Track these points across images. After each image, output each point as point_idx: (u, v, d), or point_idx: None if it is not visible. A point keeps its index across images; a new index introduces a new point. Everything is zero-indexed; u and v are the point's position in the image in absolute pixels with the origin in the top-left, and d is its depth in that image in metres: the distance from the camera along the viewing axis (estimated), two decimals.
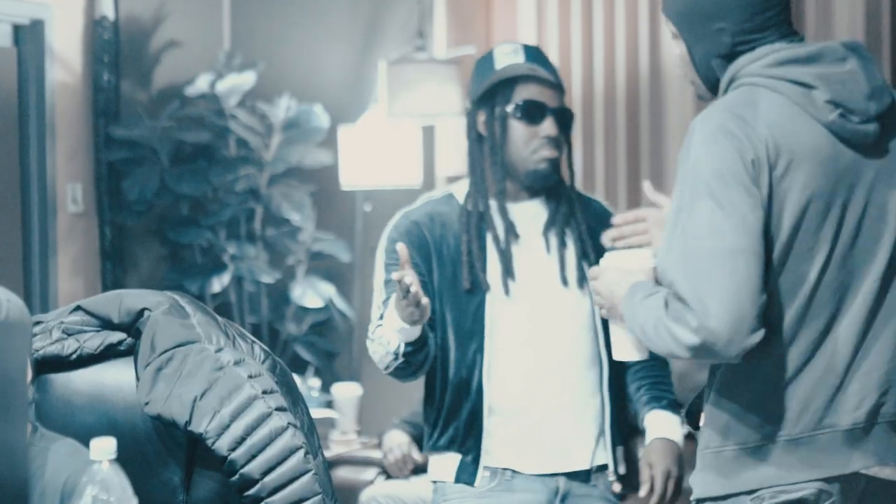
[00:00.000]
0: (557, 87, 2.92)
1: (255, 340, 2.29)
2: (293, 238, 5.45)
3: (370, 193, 5.55)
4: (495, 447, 2.85)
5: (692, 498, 2.32)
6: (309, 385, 5.23)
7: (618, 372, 2.94)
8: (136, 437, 2.19)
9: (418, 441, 4.54)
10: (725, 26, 2.35)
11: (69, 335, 2.27)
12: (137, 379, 2.19)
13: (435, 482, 2.96)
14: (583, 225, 2.94)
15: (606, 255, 2.46)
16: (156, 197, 5.22)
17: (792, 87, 2.26)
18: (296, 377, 2.43)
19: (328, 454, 4.72)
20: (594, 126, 5.43)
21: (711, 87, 2.41)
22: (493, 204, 2.91)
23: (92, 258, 5.21)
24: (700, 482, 2.30)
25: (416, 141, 5.36)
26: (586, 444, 2.87)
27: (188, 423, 2.12)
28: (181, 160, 5.32)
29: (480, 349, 2.85)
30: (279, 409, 2.15)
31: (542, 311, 2.87)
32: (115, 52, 5.25)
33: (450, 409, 2.88)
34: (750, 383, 2.25)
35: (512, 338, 2.85)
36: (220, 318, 2.29)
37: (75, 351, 2.26)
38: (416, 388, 5.08)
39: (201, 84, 5.35)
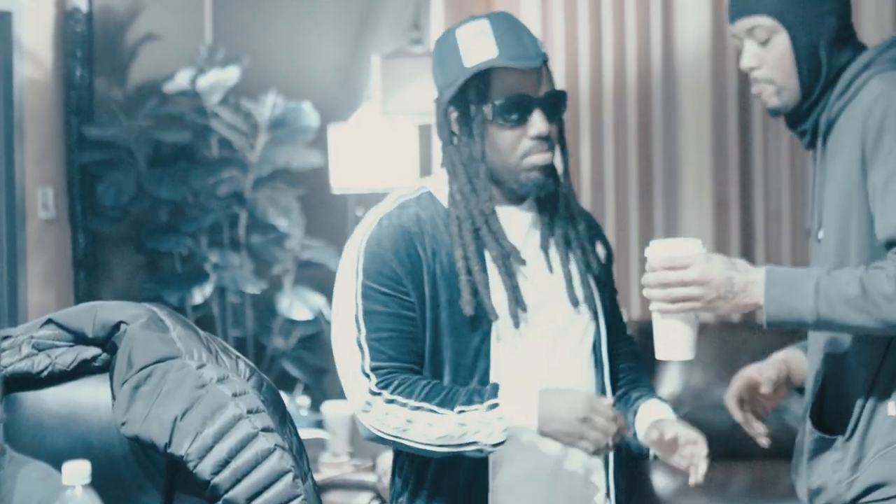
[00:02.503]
0: (540, 67, 2.55)
1: (240, 356, 2.29)
2: (280, 245, 5.45)
3: (363, 197, 5.55)
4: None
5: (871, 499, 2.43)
6: (297, 403, 5.23)
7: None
8: (112, 460, 2.19)
9: None
10: (833, 6, 2.52)
11: (40, 351, 2.27)
12: (113, 397, 2.19)
13: None
14: (584, 231, 2.65)
15: (652, 244, 2.40)
16: (132, 202, 5.23)
17: None
18: (283, 395, 2.43)
19: (318, 477, 4.71)
20: (603, 124, 5.44)
21: (807, 87, 2.50)
22: (483, 214, 2.57)
23: (64, 268, 5.21)
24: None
25: (412, 141, 5.36)
26: (600, 491, 2.64)
27: (168, 444, 2.12)
28: (159, 162, 5.32)
29: None
30: (266, 429, 2.15)
31: (554, 343, 2.58)
32: (88, 45, 5.25)
33: (442, 465, 2.55)
34: None
35: (522, 377, 2.53)
36: (201, 332, 2.29)
37: (46, 367, 2.26)
38: None
39: (181, 80, 5.35)
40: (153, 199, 5.26)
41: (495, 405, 2.43)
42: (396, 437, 2.47)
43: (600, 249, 2.68)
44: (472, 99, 2.58)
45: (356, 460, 5.03)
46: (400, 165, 5.34)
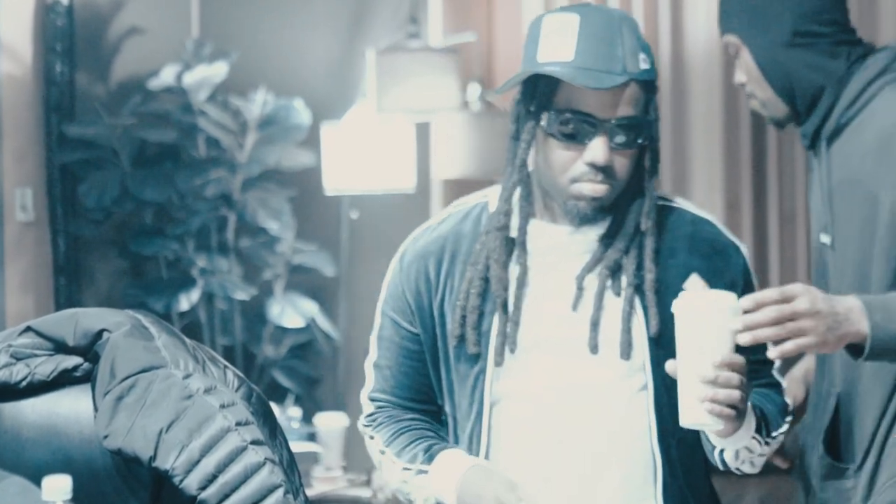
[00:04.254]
0: (627, 83, 2.29)
1: (228, 365, 2.29)
2: (270, 249, 5.45)
3: (357, 199, 5.55)
4: None
5: None
6: (289, 415, 5.23)
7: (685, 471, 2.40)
8: (95, 474, 2.19)
9: None
10: (786, 7, 2.54)
11: (18, 360, 2.27)
12: (95, 409, 2.19)
13: None
14: (651, 269, 2.34)
15: (683, 295, 2.19)
16: (115, 204, 5.22)
17: None
18: (274, 406, 2.44)
19: (311, 493, 4.71)
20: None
21: (786, 95, 2.52)
22: (500, 232, 2.39)
23: (43, 273, 5.21)
24: None
25: (408, 140, 5.36)
26: None
27: (153, 458, 2.12)
28: (144, 162, 5.32)
29: (478, 439, 2.42)
30: (255, 442, 2.15)
31: (562, 394, 2.35)
32: (69, 40, 5.25)
33: None
34: None
35: (519, 426, 2.38)
36: (188, 341, 2.29)
37: (25, 377, 2.26)
38: None
39: (166, 76, 5.35)
40: (137, 200, 5.26)
41: (423, 472, 2.42)
42: (379, 462, 2.52)
43: (695, 284, 2.27)
44: (534, 99, 2.36)
45: (350, 475, 5.03)
46: (395, 166, 5.34)
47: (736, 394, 2.14)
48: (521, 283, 2.38)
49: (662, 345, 2.32)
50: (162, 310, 5.16)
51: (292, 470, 2.24)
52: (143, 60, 5.47)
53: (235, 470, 2.12)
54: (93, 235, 5.36)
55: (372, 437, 2.52)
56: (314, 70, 5.74)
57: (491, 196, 2.48)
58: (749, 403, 2.23)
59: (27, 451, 2.23)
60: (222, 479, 2.11)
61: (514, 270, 2.39)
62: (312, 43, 5.75)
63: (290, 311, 5.46)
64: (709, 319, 2.15)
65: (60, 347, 2.28)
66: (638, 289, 2.35)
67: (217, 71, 5.36)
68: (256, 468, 2.13)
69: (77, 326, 2.26)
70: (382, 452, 2.49)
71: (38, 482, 1.86)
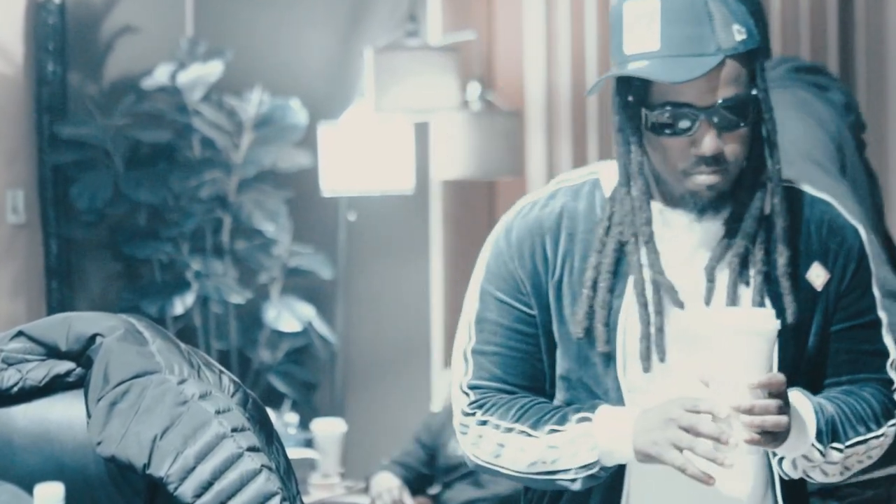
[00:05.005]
0: (723, 63, 2.13)
1: (224, 370, 2.29)
2: (266, 252, 5.45)
3: (355, 200, 5.55)
4: None
5: None
6: (285, 421, 5.23)
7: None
8: (87, 481, 2.19)
9: (410, 484, 4.53)
10: None
11: (9, 365, 2.27)
12: (88, 415, 2.19)
13: None
14: (782, 252, 2.21)
15: (712, 313, 2.13)
16: (109, 205, 5.22)
17: None
18: (270, 412, 2.43)
19: (308, 500, 4.70)
20: (611, 124, 5.43)
21: None
22: (634, 225, 2.22)
23: (35, 276, 5.21)
24: None
25: (407, 140, 5.37)
26: None
27: (147, 465, 2.12)
28: (137, 163, 5.32)
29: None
30: (251, 449, 2.15)
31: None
32: (61, 39, 5.25)
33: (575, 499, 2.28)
34: None
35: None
36: (182, 345, 2.29)
37: (17, 383, 2.25)
38: (407, 424, 5.09)
39: (160, 76, 5.35)
40: (131, 202, 5.26)
41: (586, 419, 2.19)
42: (492, 463, 2.26)
43: (817, 273, 2.21)
44: (630, 90, 2.21)
45: (348, 482, 5.03)
46: (394, 166, 5.34)
47: (771, 420, 2.07)
48: (656, 284, 2.21)
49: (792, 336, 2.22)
50: (156, 313, 5.16)
51: (289, 477, 2.24)
52: (136, 59, 5.47)
53: (231, 477, 2.12)
54: (85, 238, 5.36)
55: (484, 423, 2.25)
56: (311, 69, 5.74)
57: (602, 173, 2.32)
58: (813, 407, 2.19)
59: (19, 459, 2.22)
60: (218, 487, 2.11)
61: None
62: (309, 41, 5.75)
63: (287, 315, 5.46)
64: (745, 341, 2.07)
65: (53, 352, 2.28)
66: (767, 276, 2.21)
67: (212, 70, 5.36)
68: (252, 475, 2.13)
69: (70, 331, 2.26)
70: (510, 430, 2.23)
71: (29, 490, 1.86)
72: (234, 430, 2.15)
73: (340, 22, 5.76)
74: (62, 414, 2.25)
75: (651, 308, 2.20)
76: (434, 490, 4.76)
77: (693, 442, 2.08)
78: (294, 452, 4.96)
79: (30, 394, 2.26)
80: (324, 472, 5.01)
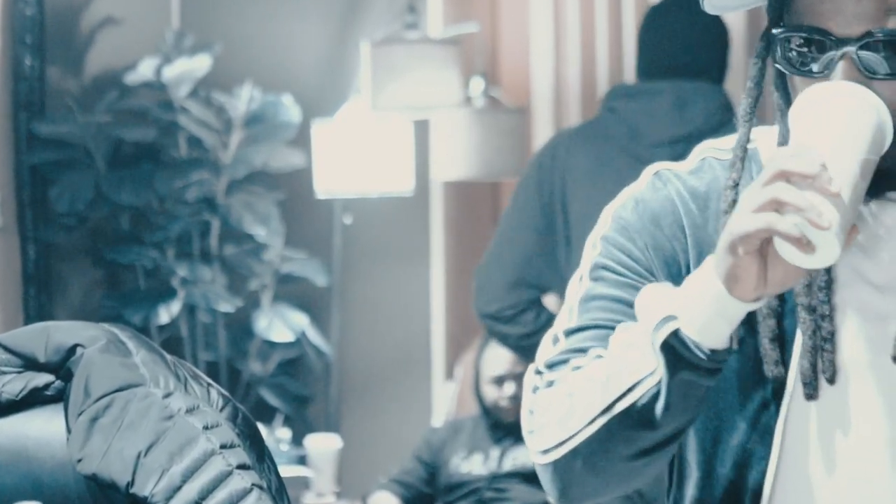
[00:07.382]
0: None
1: (212, 383, 2.29)
2: (257, 257, 5.45)
3: (351, 203, 5.56)
4: None
5: None
6: (277, 437, 5.24)
7: None
8: (67, 501, 2.19)
9: None
10: None
11: None
12: (68, 431, 2.19)
13: None
14: None
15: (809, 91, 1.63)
16: (90, 208, 5.23)
17: None
18: (261, 427, 2.44)
19: None
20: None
21: None
22: None
23: (12, 283, 5.21)
24: None
25: (406, 139, 5.37)
26: None
27: (130, 484, 2.12)
28: (120, 163, 5.33)
29: (744, 460, 1.75)
30: (241, 466, 2.15)
31: (888, 439, 1.69)
32: (39, 31, 5.26)
33: None
34: None
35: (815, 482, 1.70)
36: (168, 356, 2.29)
37: None
38: (405, 441, 5.09)
39: (144, 70, 5.36)
40: (113, 204, 5.26)
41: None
42: (564, 441, 1.72)
43: None
44: (768, 21, 1.71)
45: (343, 500, 5.04)
46: (392, 167, 5.35)
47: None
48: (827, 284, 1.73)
49: None
50: (140, 323, 5.16)
51: (281, 496, 2.24)
52: (119, 53, 5.48)
53: (220, 496, 2.12)
54: (65, 242, 5.36)
55: (552, 383, 1.76)
56: (304, 63, 5.75)
57: (760, 141, 1.79)
58: None
59: None
60: None
61: None
62: (302, 34, 5.76)
63: (279, 325, 5.46)
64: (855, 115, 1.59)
65: (30, 364, 2.28)
66: None
67: (199, 64, 5.36)
68: (242, 495, 2.13)
69: (48, 341, 2.26)
70: (578, 368, 1.74)
71: None
72: (223, 446, 2.15)
73: (336, 14, 5.76)
74: (40, 429, 2.25)
75: (807, 311, 1.71)
76: None
77: (799, 197, 1.54)
78: (286, 470, 4.96)
79: (6, 408, 2.26)
80: (318, 491, 5.02)
